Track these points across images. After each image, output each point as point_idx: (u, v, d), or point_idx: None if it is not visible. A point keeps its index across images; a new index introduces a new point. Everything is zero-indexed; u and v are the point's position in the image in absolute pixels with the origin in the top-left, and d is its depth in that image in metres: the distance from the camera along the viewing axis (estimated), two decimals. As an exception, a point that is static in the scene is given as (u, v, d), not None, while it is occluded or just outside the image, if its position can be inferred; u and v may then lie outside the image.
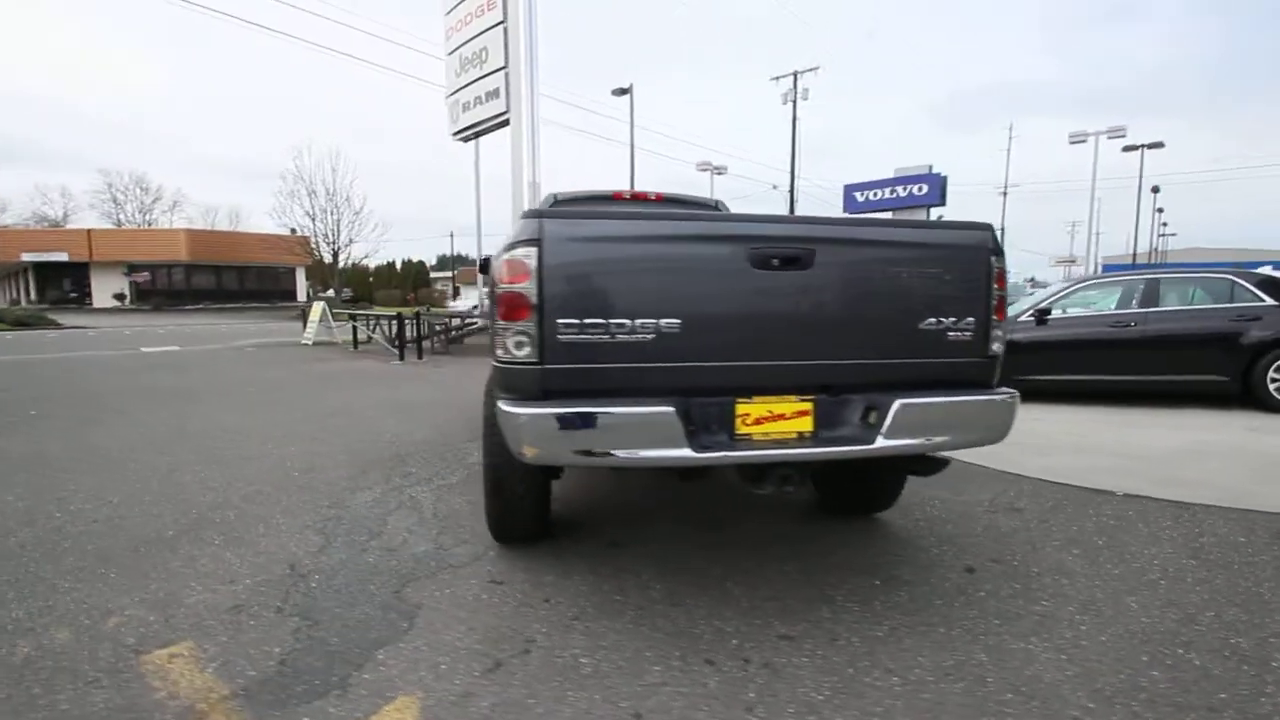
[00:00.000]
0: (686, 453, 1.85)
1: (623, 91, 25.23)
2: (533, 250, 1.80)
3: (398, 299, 48.47)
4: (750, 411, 1.96)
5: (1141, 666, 1.84)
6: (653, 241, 1.91)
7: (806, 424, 2.00)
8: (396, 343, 11.58)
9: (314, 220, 32.30)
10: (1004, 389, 2.10)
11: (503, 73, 14.63)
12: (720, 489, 3.45)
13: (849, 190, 28.80)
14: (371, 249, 34.74)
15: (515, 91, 14.46)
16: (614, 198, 4.31)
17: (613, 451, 1.83)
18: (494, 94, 14.96)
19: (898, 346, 2.04)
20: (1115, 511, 3.12)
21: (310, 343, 13.75)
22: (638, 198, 4.32)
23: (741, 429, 1.96)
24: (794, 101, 34.03)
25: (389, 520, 3.08)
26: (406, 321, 11.39)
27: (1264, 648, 1.93)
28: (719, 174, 29.81)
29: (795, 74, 34.32)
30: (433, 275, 70.91)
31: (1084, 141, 23.89)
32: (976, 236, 2.08)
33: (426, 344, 12.00)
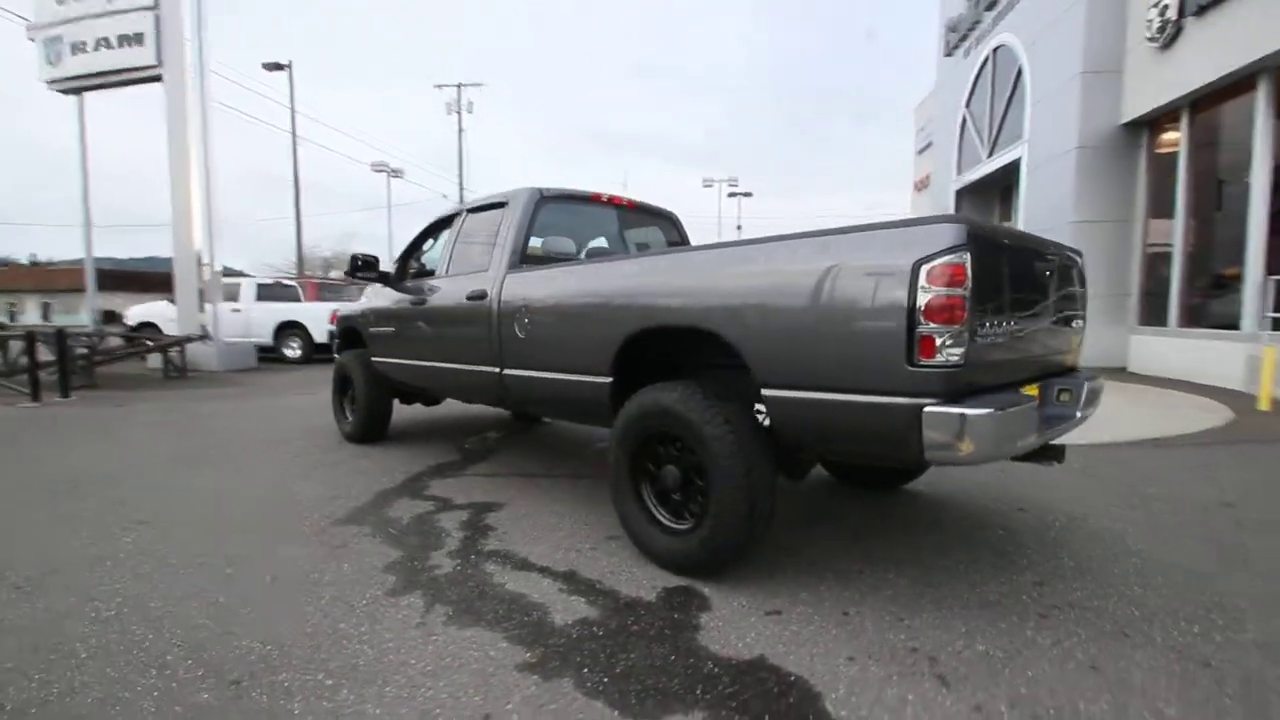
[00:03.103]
0: (1036, 439, 2.11)
1: (277, 67, 21.38)
2: (968, 255, 1.82)
3: None
4: (1023, 398, 2.31)
5: (1215, 535, 2.83)
6: (1016, 253, 2.11)
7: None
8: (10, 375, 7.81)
9: None
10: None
11: (151, 14, 11.11)
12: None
13: None
14: None
15: (174, 41, 11.11)
16: (592, 199, 4.03)
17: (1019, 443, 1.97)
18: (134, 39, 11.25)
19: (1070, 339, 2.65)
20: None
21: None
22: (614, 201, 4.11)
23: (1019, 414, 2.30)
24: (459, 112, 33.99)
25: (516, 589, 2.40)
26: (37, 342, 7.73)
27: (1235, 518, 3.15)
28: (396, 177, 27.75)
29: (459, 85, 34.26)
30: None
31: (711, 185, 29.94)
32: (1080, 256, 2.84)
33: (51, 375, 8.31)
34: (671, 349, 2.66)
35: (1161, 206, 8.52)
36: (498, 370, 3.49)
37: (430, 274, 4.69)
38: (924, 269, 1.82)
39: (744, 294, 2.23)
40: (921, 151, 18.12)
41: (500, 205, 3.82)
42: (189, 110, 11.07)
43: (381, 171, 27.12)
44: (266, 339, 12.83)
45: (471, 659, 1.91)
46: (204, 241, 11.38)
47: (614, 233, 4.21)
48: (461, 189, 33.41)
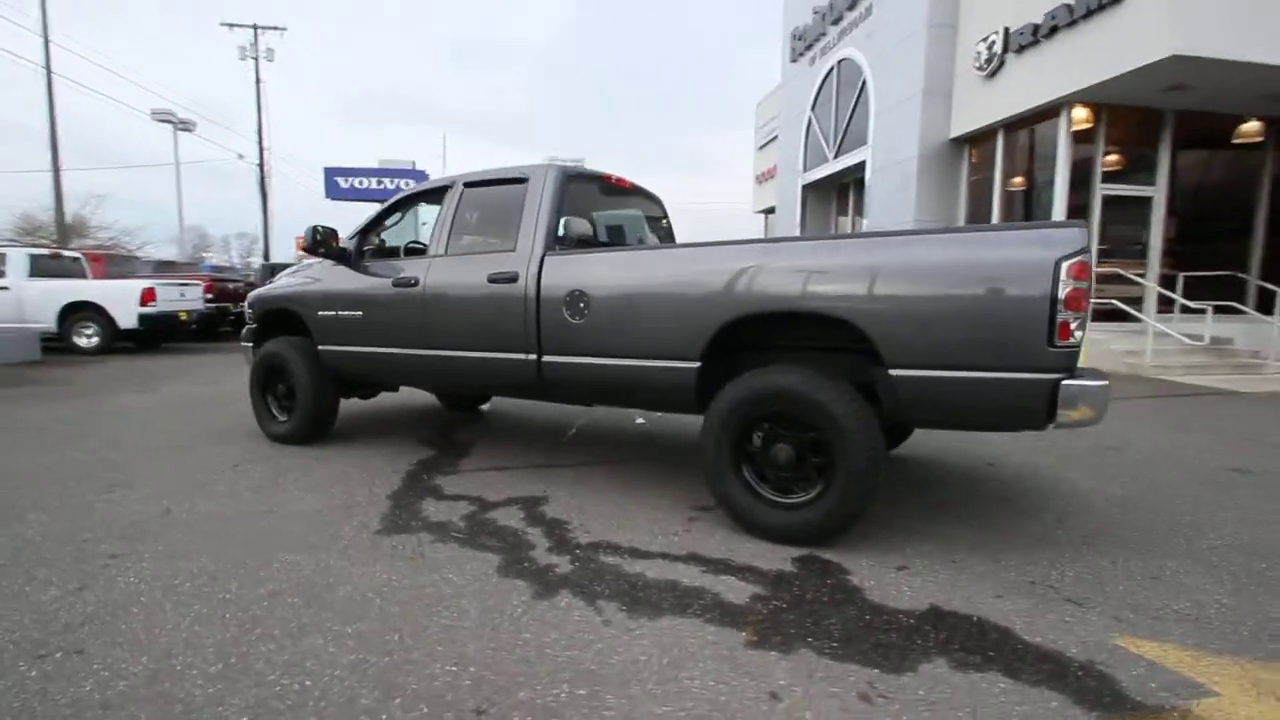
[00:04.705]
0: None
1: (16, -21, 16.74)
2: (1090, 255, 2.20)
3: None
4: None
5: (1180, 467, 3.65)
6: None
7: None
8: None
9: None
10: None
11: None
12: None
13: (330, 173, 27.40)
14: None
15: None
16: (603, 179, 3.94)
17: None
18: None
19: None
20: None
21: None
22: (620, 184, 4.05)
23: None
24: (255, 59, 29.82)
25: (659, 576, 2.40)
26: None
27: (1123, 458, 4.04)
28: (185, 129, 23.36)
29: (255, 27, 29.96)
30: None
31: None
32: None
33: None
34: (757, 334, 2.79)
35: (979, 210, 10.36)
36: (533, 357, 3.33)
37: (396, 253, 4.26)
38: (1064, 265, 2.17)
39: (878, 282, 2.43)
40: (763, 146, 19.70)
41: (516, 181, 3.59)
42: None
43: (166, 121, 22.64)
44: (49, 325, 10.30)
45: (695, 646, 1.92)
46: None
47: (608, 211, 4.17)
48: (261, 148, 29.30)
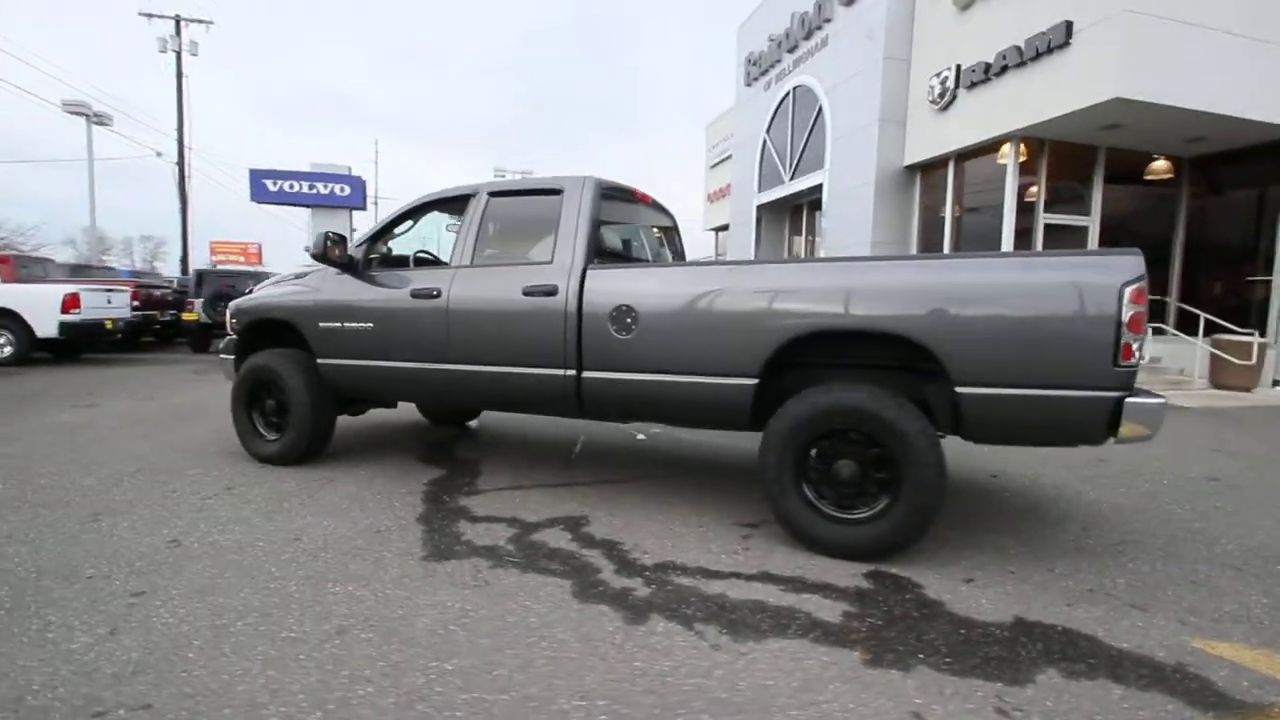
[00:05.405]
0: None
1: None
2: (1146, 281, 2.36)
3: None
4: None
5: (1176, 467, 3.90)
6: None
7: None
8: None
9: None
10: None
11: None
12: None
13: (256, 176, 26.14)
14: None
15: None
16: (627, 191, 3.91)
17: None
18: None
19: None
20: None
21: None
22: (643, 199, 4.03)
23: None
24: (178, 53, 28.12)
25: (741, 597, 2.37)
26: None
27: (1113, 469, 4.31)
28: (101, 124, 21.57)
29: (178, 19, 28.27)
30: None
31: (504, 175, 29.14)
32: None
33: None
34: (808, 351, 2.83)
35: (931, 235, 10.94)
36: (572, 373, 3.24)
37: (403, 263, 4.07)
38: (1127, 289, 2.32)
39: (950, 302, 2.51)
40: (715, 165, 20.14)
41: (550, 192, 3.51)
42: None
43: (79, 114, 20.84)
44: (-50, 333, 9.23)
45: (816, 668, 1.91)
46: None
47: (631, 227, 4.15)
48: (182, 147, 27.48)
